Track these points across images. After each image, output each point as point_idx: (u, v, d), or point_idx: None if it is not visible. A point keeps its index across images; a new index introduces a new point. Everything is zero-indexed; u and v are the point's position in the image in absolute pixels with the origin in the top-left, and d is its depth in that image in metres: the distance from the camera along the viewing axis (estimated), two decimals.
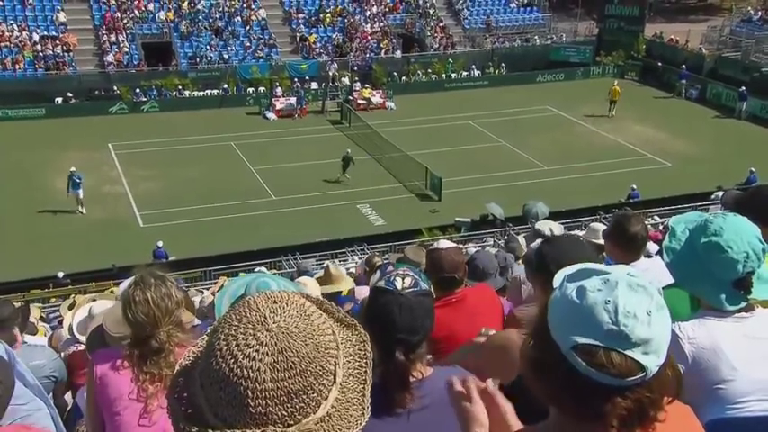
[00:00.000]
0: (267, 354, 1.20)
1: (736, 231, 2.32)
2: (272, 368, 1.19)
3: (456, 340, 3.19)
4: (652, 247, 6.48)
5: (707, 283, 2.34)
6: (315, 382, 1.23)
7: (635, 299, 1.39)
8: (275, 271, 15.20)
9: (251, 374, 1.19)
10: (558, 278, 1.52)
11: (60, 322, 7.94)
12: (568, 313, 1.43)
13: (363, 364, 1.36)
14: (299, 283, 6.90)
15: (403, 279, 2.33)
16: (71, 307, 7.01)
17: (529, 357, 1.51)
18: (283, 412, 1.21)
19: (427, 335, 2.33)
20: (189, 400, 1.29)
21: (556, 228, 6.14)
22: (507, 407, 1.44)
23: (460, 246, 10.01)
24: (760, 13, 39.68)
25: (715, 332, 2.29)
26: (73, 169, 23.46)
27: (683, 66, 36.32)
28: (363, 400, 1.34)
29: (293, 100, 33.12)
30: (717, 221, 2.36)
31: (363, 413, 1.33)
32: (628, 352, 1.37)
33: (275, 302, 1.28)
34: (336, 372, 1.28)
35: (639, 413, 1.40)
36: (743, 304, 2.33)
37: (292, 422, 1.22)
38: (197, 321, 4.67)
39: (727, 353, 2.26)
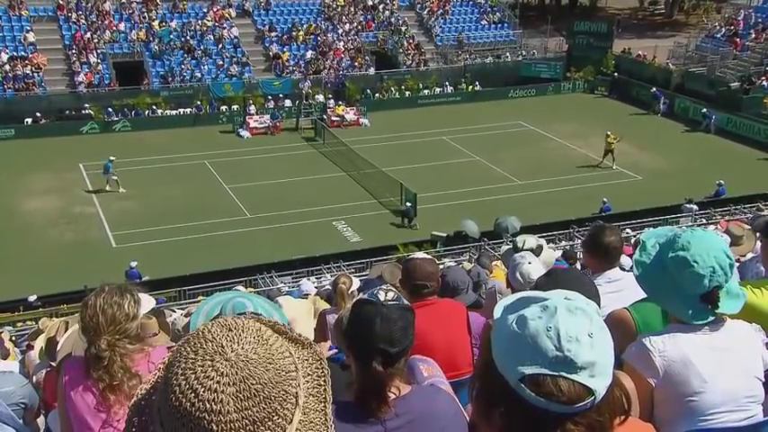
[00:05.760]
0: (229, 384, 1.16)
1: (704, 246, 2.33)
2: (236, 398, 1.16)
3: (426, 341, 3.23)
4: (626, 260, 6.44)
5: (675, 296, 2.35)
6: (279, 408, 1.20)
7: (576, 322, 1.38)
8: (252, 289, 15.08)
9: (214, 407, 1.15)
10: (497, 310, 1.50)
11: (29, 346, 7.76)
12: (512, 344, 1.41)
13: (322, 383, 1.34)
14: (276, 301, 6.78)
15: (386, 293, 2.35)
16: (37, 334, 6.95)
17: (477, 395, 1.48)
18: None
19: (407, 349, 2.31)
20: None
21: (531, 240, 6.17)
22: None
23: (435, 260, 10.05)
24: (723, 29, 40.42)
25: (684, 345, 2.31)
26: (112, 158, 26.37)
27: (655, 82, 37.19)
28: (326, 419, 1.31)
29: (267, 118, 33.12)
30: (684, 236, 2.36)
31: None
32: (574, 377, 1.34)
33: (230, 330, 1.23)
34: (298, 393, 1.25)
35: None
36: (710, 319, 2.34)
37: None
38: (171, 343, 4.63)
39: (697, 365, 2.29)
